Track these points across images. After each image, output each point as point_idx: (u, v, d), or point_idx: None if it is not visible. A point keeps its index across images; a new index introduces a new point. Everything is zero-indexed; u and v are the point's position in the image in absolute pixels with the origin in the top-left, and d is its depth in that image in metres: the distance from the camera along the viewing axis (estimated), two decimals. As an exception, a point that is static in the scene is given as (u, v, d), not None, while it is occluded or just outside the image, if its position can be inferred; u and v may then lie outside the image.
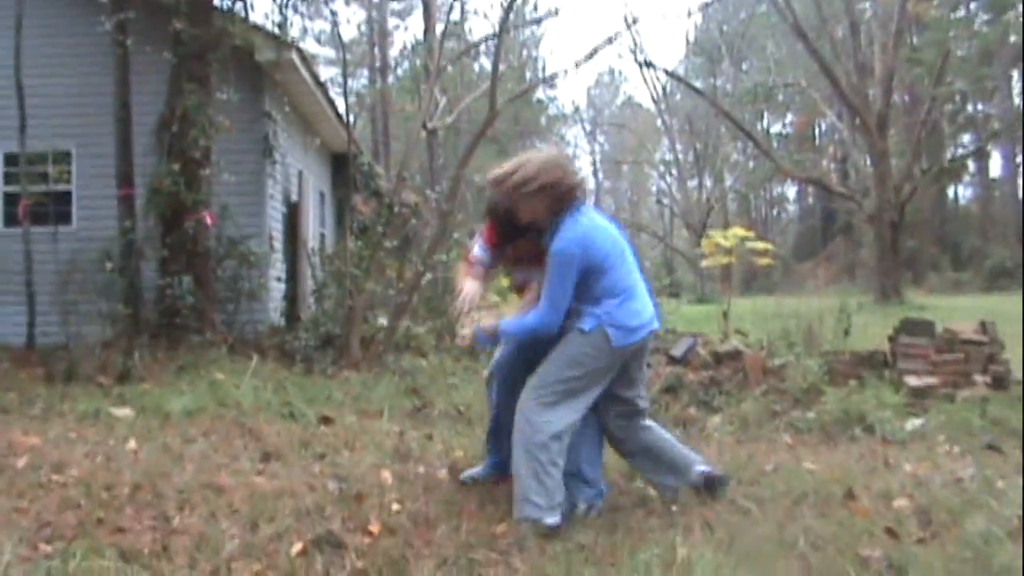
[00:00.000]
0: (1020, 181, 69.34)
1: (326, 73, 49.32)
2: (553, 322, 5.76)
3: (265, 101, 16.23)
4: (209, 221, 13.98)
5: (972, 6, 51.83)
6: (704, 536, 5.30)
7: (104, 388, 10.83)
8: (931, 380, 10.61)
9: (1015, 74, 63.28)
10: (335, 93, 27.09)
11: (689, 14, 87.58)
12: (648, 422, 6.26)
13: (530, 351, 6.02)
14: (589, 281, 5.74)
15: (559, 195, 5.79)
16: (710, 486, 6.04)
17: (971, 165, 68.86)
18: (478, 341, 6.24)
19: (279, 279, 16.73)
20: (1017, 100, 66.40)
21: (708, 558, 4.75)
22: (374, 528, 5.29)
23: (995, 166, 72.28)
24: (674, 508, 5.91)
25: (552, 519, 5.45)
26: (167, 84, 14.00)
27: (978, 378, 10.72)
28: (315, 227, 20.09)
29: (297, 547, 4.92)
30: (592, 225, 5.83)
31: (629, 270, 5.89)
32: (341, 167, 21.67)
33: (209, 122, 13.92)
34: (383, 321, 14.49)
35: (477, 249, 6.38)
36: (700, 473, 6.08)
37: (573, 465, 5.89)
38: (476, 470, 6.64)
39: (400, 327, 14.04)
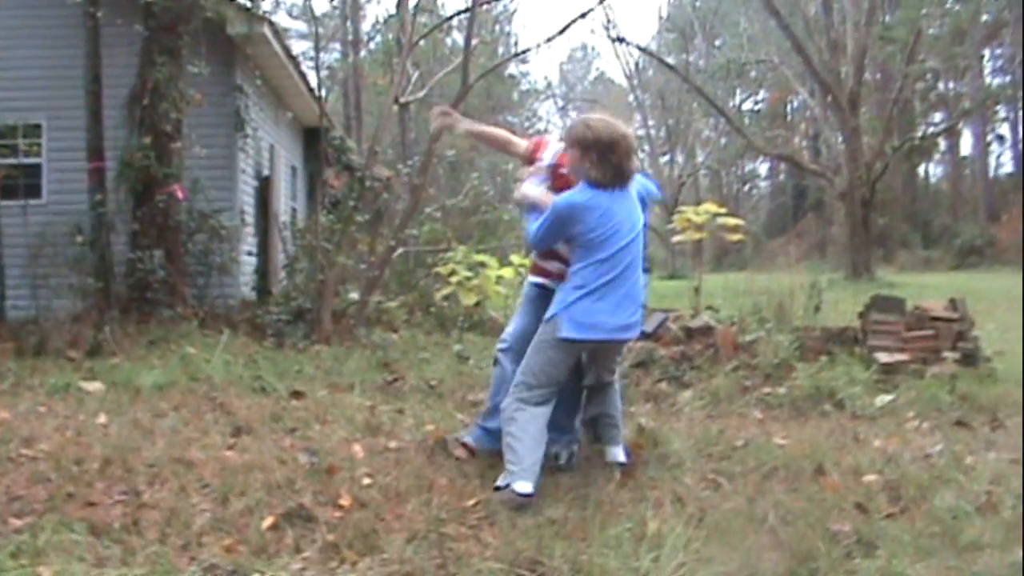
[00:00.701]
0: (990, 160, 69.68)
1: (298, 47, 49.17)
2: (533, 241, 6.14)
3: (237, 75, 16.15)
4: (180, 195, 13.94)
5: (945, -16, 51.93)
6: (675, 510, 5.33)
7: (74, 362, 10.80)
8: (901, 356, 10.65)
9: (986, 53, 63.51)
10: (307, 67, 26.97)
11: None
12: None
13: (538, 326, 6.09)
14: (573, 255, 5.91)
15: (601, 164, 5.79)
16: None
17: (942, 143, 69.07)
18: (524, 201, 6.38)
19: (250, 253, 16.70)
20: (988, 79, 66.67)
21: (679, 532, 4.76)
22: (345, 502, 5.29)
23: (966, 144, 72.59)
24: (646, 482, 5.94)
25: (521, 485, 5.50)
26: (138, 57, 13.93)
27: (948, 355, 10.76)
28: (287, 201, 20.06)
29: (268, 521, 4.91)
30: (593, 204, 5.77)
31: (613, 268, 5.79)
32: (313, 141, 21.61)
33: (180, 95, 13.88)
34: (355, 295, 14.47)
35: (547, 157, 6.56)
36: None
37: (551, 418, 5.97)
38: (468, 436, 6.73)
39: (371, 301, 14.04)
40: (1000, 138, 73.37)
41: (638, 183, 6.11)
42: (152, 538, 4.69)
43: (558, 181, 6.30)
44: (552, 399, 5.95)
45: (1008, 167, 71.93)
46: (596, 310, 5.76)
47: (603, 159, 5.74)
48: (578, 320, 5.75)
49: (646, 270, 6.26)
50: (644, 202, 6.18)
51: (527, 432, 5.74)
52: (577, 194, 5.80)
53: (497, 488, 5.60)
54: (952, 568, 4.55)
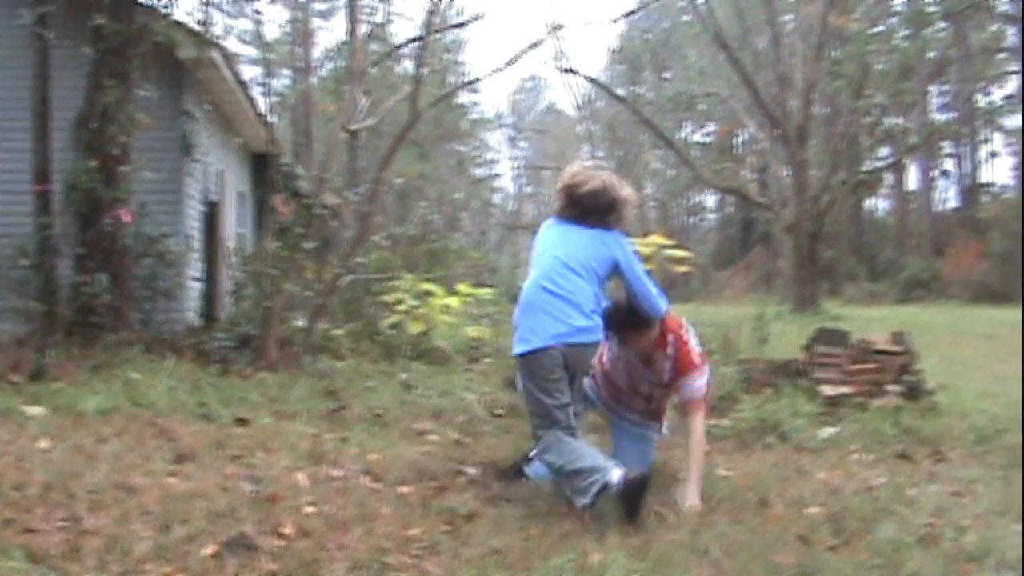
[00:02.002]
0: (935, 195, 70.37)
1: (248, 72, 48.83)
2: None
3: (186, 99, 16.08)
4: (127, 219, 13.85)
5: (892, 21, 52.32)
6: (618, 542, 5.33)
7: (16, 386, 10.67)
8: (845, 389, 10.72)
9: (932, 89, 64.15)
10: (257, 92, 26.92)
11: (613, 21, 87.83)
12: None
13: None
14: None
15: None
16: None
17: (888, 178, 69.76)
18: None
19: (197, 278, 16.61)
20: (934, 114, 67.39)
21: (621, 564, 4.78)
22: (287, 530, 5.26)
23: (912, 179, 73.33)
24: (589, 513, 5.95)
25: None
26: (86, 79, 13.86)
27: (891, 388, 10.83)
28: (234, 227, 19.99)
29: (209, 549, 4.88)
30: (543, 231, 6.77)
31: (535, 282, 6.40)
32: (262, 167, 21.55)
33: (129, 119, 13.78)
34: (301, 323, 14.42)
35: None
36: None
37: None
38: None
39: (318, 329, 13.99)
40: (945, 173, 74.24)
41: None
42: (92, 565, 4.65)
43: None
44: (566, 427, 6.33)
45: (953, 202, 72.75)
46: (525, 325, 6.36)
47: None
48: (520, 335, 6.32)
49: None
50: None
51: (566, 449, 6.15)
52: None
53: (585, 506, 5.94)
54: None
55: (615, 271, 6.61)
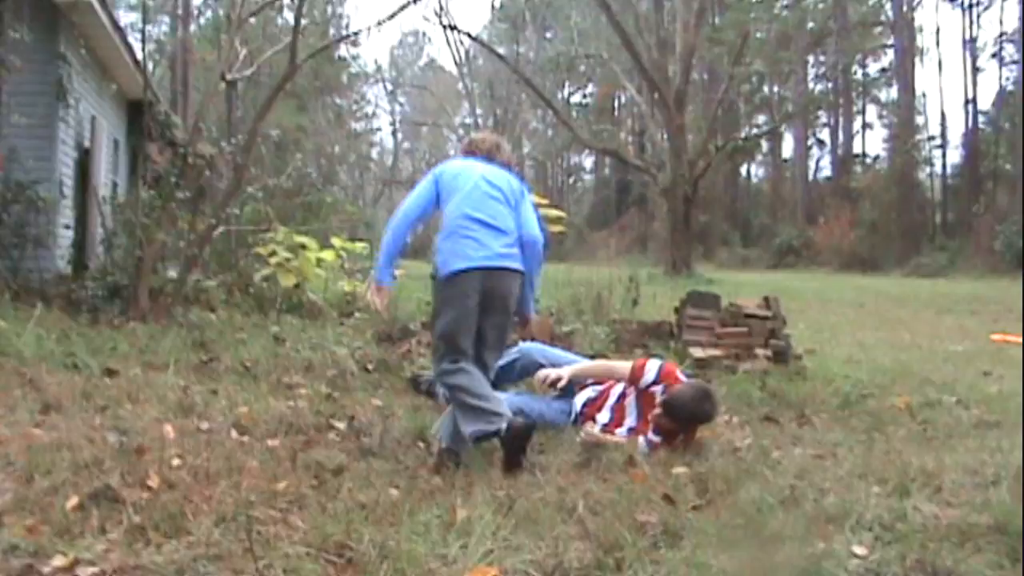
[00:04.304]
0: (810, 163, 71.33)
1: (126, 18, 48.31)
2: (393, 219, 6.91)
3: (60, 43, 15.74)
4: (-4, 163, 13.61)
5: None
6: (484, 498, 5.36)
7: None
8: (714, 352, 10.85)
9: (810, 59, 64.97)
10: (134, 39, 26.49)
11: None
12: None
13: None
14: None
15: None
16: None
17: (764, 145, 70.70)
18: None
19: (68, 226, 16.32)
20: (811, 84, 68.27)
21: (487, 519, 4.80)
22: (153, 483, 5.19)
23: (787, 147, 74.37)
24: (457, 469, 5.98)
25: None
26: (-45, 20, 13.57)
27: (760, 352, 11.00)
28: (108, 175, 19.67)
29: (73, 501, 4.80)
30: (451, 162, 7.07)
31: (461, 210, 6.52)
32: (137, 115, 21.18)
33: (0, 62, 13.52)
34: (173, 273, 14.26)
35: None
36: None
37: None
38: None
39: (190, 280, 13.84)
40: (820, 142, 75.43)
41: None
42: (-50, 517, 4.58)
43: (647, 400, 7.38)
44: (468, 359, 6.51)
45: (827, 171, 73.88)
46: (448, 250, 6.54)
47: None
48: (445, 261, 6.50)
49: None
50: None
51: (475, 383, 6.39)
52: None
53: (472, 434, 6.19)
54: (754, 559, 4.65)
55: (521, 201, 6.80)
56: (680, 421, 7.05)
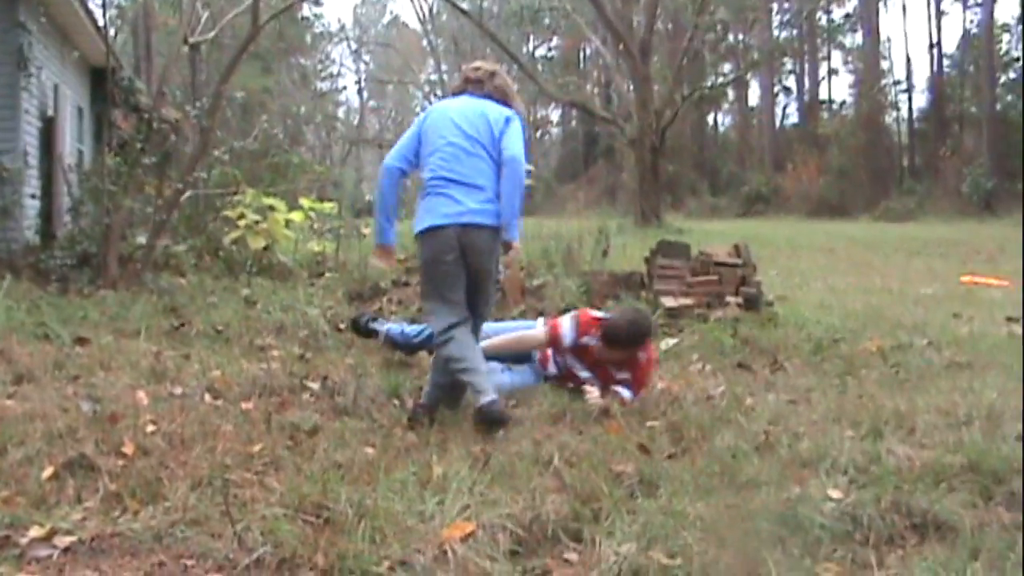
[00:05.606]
0: (777, 111, 71.45)
1: (85, -17, 47.82)
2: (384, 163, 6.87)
3: (19, 11, 15.57)
4: (-41, 135, 13.52)
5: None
6: (460, 453, 5.38)
7: None
8: (686, 301, 10.88)
9: (774, 7, 64.91)
10: (95, 4, 26.29)
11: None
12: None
13: None
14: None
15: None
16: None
17: (730, 93, 70.68)
18: None
19: (34, 196, 16.22)
20: (776, 32, 68.25)
21: (464, 475, 4.81)
22: (128, 450, 5.18)
23: (753, 95, 74.46)
24: (432, 427, 5.99)
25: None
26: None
27: (731, 299, 11.03)
28: (73, 143, 19.55)
29: (48, 471, 4.78)
30: (436, 107, 6.94)
31: (434, 171, 6.50)
32: (100, 82, 21.02)
33: (-43, 34, 13.43)
34: (142, 239, 14.19)
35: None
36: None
37: None
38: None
39: (159, 246, 13.79)
40: (787, 89, 75.56)
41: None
42: (-76, 491, 4.56)
43: (586, 354, 7.42)
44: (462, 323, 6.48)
45: (794, 118, 73.99)
46: (425, 207, 6.51)
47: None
48: (420, 216, 6.48)
49: None
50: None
51: (452, 359, 6.41)
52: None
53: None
54: (730, 505, 4.68)
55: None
56: (626, 347, 7.14)
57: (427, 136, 6.61)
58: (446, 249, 6.30)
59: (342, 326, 9.96)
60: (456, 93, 6.94)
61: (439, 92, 68.89)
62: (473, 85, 6.84)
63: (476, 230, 6.31)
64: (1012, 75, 55.78)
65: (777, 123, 73.44)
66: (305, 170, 19.66)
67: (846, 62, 74.64)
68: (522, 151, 6.55)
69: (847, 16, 71.54)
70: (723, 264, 11.39)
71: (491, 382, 6.24)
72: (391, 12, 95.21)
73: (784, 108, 76.13)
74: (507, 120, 6.58)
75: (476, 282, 6.49)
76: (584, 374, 7.39)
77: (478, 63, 7.16)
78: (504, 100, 6.77)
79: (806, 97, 72.60)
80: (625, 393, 7.09)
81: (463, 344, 6.34)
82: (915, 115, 67.27)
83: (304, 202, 16.22)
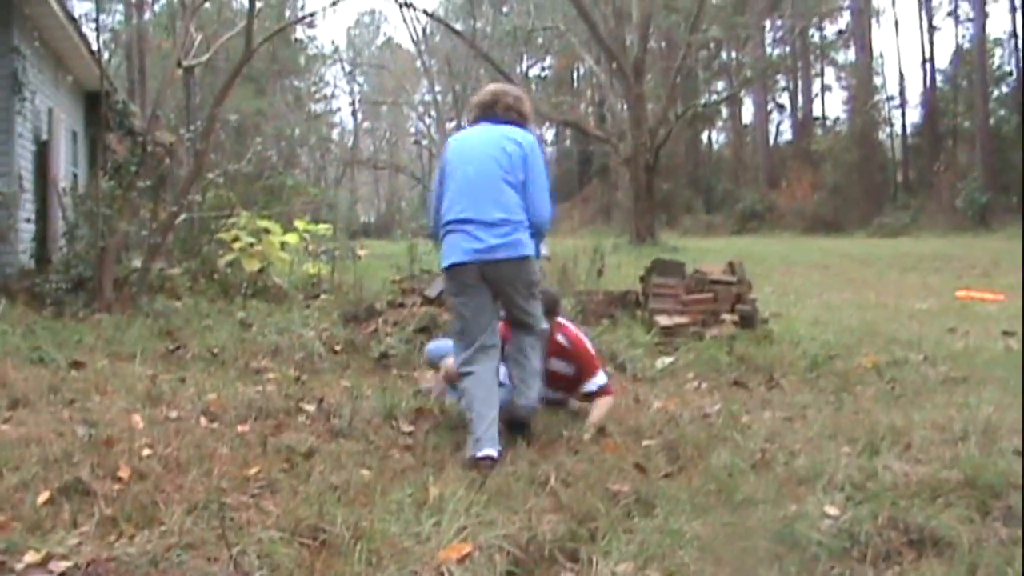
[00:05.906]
0: (770, 127, 71.54)
1: (80, 8, 47.90)
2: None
3: (14, 36, 15.59)
4: (-46, 159, 13.52)
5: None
6: (456, 474, 5.37)
7: None
8: (681, 319, 10.89)
9: (767, 24, 65.01)
10: (88, 29, 26.34)
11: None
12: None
13: None
14: None
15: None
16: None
17: (724, 111, 70.82)
18: None
19: (29, 220, 16.22)
20: (769, 49, 68.36)
21: (460, 496, 4.81)
22: (123, 474, 5.17)
23: (747, 112, 74.54)
24: (428, 448, 5.99)
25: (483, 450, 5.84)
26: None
27: (726, 317, 11.05)
28: (67, 167, 19.54)
29: (43, 496, 4.77)
30: (454, 141, 6.92)
31: (452, 207, 6.48)
32: (94, 105, 21.03)
33: (-48, 58, 13.44)
34: (137, 263, 14.20)
35: None
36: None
37: None
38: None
39: (154, 269, 13.79)
40: (780, 106, 75.67)
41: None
42: (-80, 517, 4.55)
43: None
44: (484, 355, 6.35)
45: (787, 135, 74.12)
46: (447, 243, 6.49)
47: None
48: (444, 252, 6.50)
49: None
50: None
51: (483, 393, 6.19)
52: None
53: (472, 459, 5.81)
54: (727, 523, 4.68)
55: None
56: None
57: (449, 172, 6.60)
58: (471, 282, 6.33)
59: (337, 347, 9.98)
60: (473, 122, 6.90)
61: (433, 113, 69.08)
62: (485, 111, 6.82)
63: (498, 264, 6.30)
64: (1005, 89, 55.84)
65: (771, 140, 73.53)
66: (299, 192, 19.71)
67: (839, 78, 74.78)
68: (546, 199, 6.79)
69: (840, 32, 71.73)
70: (718, 282, 11.41)
71: (495, 431, 6.03)
72: (384, 33, 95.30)
73: (778, 125, 76.32)
74: (524, 160, 6.57)
75: (510, 298, 6.49)
76: (553, 395, 7.35)
77: (484, 89, 7.16)
78: (519, 119, 6.78)
79: (800, 114, 72.69)
80: (599, 381, 7.12)
81: (481, 382, 6.26)
82: (909, 130, 67.44)
83: (299, 224, 16.24)
